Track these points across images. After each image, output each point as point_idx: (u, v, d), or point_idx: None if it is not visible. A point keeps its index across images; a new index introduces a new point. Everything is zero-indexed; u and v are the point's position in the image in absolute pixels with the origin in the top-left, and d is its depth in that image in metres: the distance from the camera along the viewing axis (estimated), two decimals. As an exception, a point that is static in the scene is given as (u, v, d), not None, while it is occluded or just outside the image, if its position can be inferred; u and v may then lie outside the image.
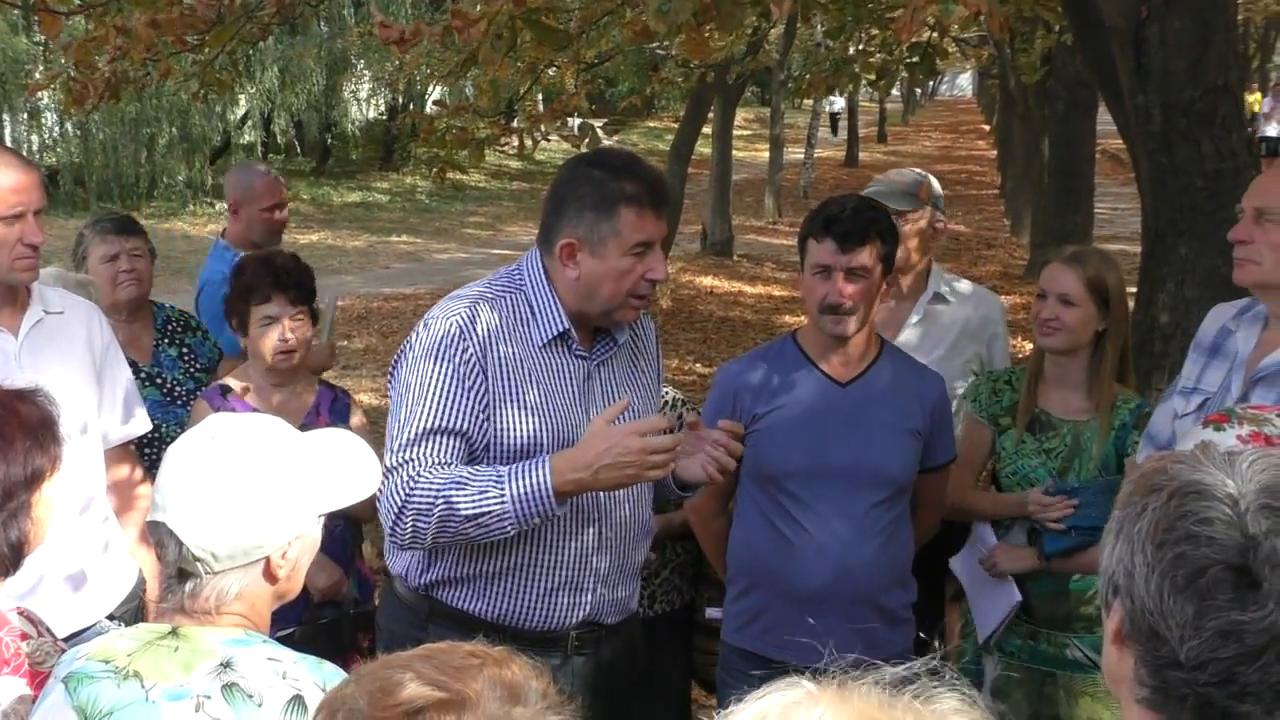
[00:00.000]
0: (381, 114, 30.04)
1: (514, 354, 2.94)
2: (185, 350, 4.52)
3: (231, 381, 4.02)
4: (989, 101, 37.88)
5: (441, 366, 2.89)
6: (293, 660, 2.00)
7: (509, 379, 2.92)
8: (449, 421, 2.87)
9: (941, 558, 3.89)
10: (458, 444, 2.89)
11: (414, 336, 2.99)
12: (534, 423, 2.93)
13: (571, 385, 3.01)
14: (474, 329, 2.91)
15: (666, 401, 3.95)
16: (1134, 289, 4.90)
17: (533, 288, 3.00)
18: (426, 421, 2.87)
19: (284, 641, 2.21)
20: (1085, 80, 12.41)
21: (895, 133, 43.46)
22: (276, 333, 3.88)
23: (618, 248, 2.90)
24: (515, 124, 8.73)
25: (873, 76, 9.18)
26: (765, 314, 14.63)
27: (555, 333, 2.98)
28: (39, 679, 2.12)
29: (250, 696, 1.92)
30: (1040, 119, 16.18)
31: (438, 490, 2.80)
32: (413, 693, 1.40)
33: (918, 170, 4.41)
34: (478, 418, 2.89)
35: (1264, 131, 26.14)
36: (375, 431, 4.68)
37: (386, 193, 26.57)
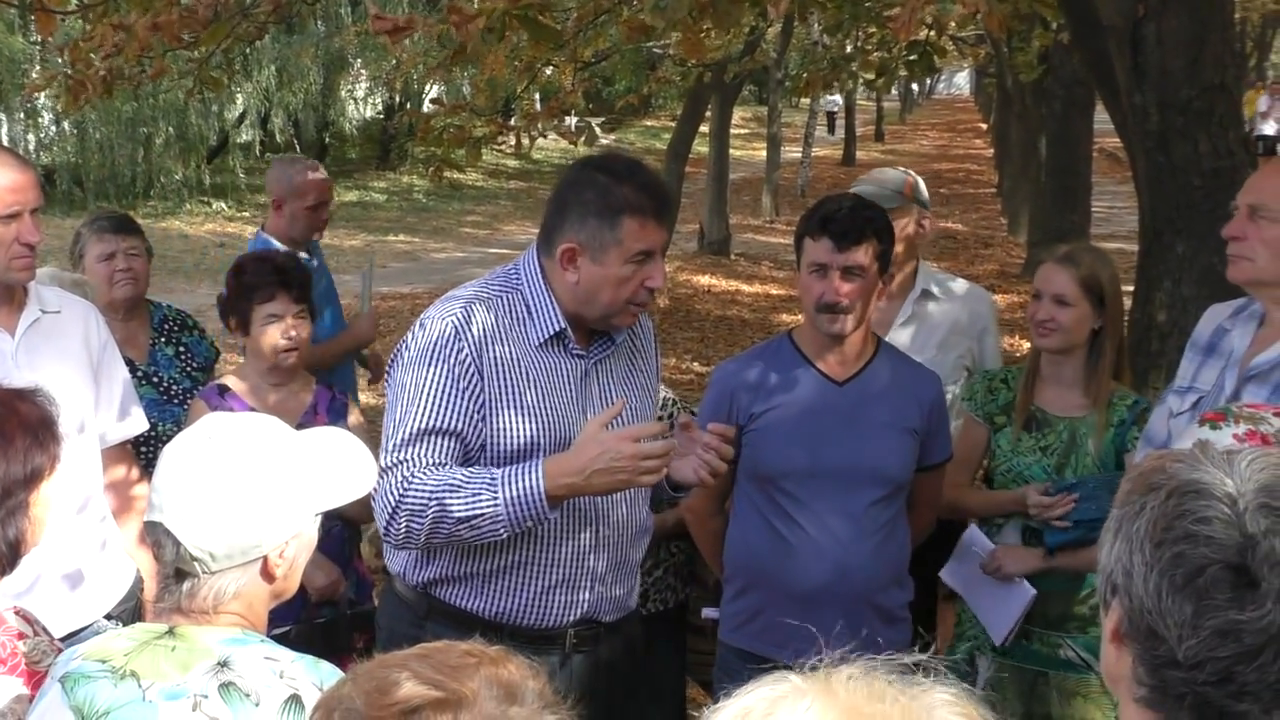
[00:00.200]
0: (379, 113, 30.04)
1: (510, 354, 2.94)
2: (182, 349, 4.52)
3: (229, 380, 4.02)
4: (986, 100, 37.93)
5: (437, 367, 2.89)
6: (290, 660, 2.00)
7: (505, 379, 2.92)
8: (444, 422, 2.87)
9: (936, 557, 3.88)
10: (452, 445, 2.89)
11: (410, 337, 2.99)
12: (530, 423, 2.93)
13: (568, 385, 3.01)
14: (469, 329, 2.91)
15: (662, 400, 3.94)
16: (1131, 287, 4.90)
17: (529, 287, 3.00)
18: (421, 422, 2.87)
19: (280, 640, 2.21)
20: (1082, 79, 12.42)
21: (893, 131, 43.49)
22: (280, 331, 3.89)
23: (619, 255, 2.89)
24: (513, 122, 8.72)
25: (871, 75, 9.18)
26: (763, 313, 14.64)
27: (551, 332, 2.97)
28: (36, 679, 2.11)
29: (247, 696, 1.92)
30: (1037, 117, 16.19)
31: (431, 492, 2.80)
32: (409, 692, 1.40)
33: (903, 169, 4.41)
34: (473, 418, 2.89)
35: (1261, 130, 26.14)
36: (373, 430, 4.68)
37: (384, 192, 26.58)
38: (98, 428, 3.44)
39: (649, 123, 38.52)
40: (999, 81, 21.90)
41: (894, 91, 47.01)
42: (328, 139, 28.84)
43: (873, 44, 10.47)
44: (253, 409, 3.74)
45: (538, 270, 3.00)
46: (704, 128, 18.99)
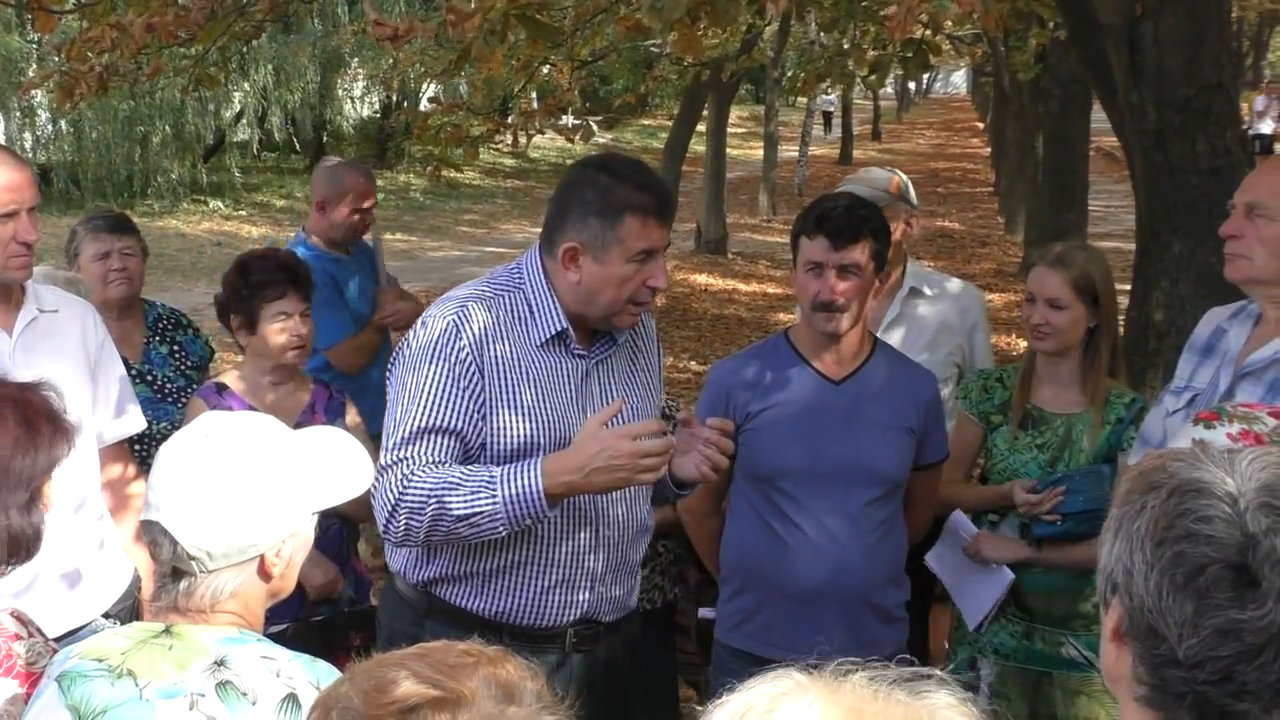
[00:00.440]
0: (376, 112, 30.02)
1: (511, 353, 2.94)
2: (176, 348, 4.51)
3: (227, 379, 4.02)
4: (983, 99, 37.96)
5: (437, 366, 2.88)
6: (287, 658, 2.00)
7: (505, 378, 2.92)
8: (444, 421, 2.87)
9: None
10: (452, 443, 2.88)
11: (411, 335, 2.99)
12: (530, 422, 2.93)
13: (569, 384, 3.00)
14: (471, 328, 2.90)
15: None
16: (1128, 286, 4.91)
17: (532, 287, 3.00)
18: (421, 420, 2.87)
19: (276, 638, 2.21)
20: (1079, 78, 12.42)
21: (890, 130, 43.52)
22: (290, 329, 3.89)
23: (621, 255, 2.89)
24: (510, 120, 8.72)
25: (865, 71, 9.18)
26: (760, 312, 14.64)
27: (553, 332, 2.97)
28: (33, 680, 2.11)
29: (244, 695, 1.92)
30: (1035, 116, 16.20)
31: (430, 490, 2.80)
32: (407, 691, 1.40)
33: (890, 169, 4.41)
34: (473, 417, 2.89)
35: (1257, 129, 26.19)
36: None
37: (381, 190, 26.43)
38: (95, 426, 3.43)
39: (646, 122, 38.53)
40: (996, 80, 21.93)
41: (891, 90, 47.09)
42: (325, 138, 28.81)
43: (868, 42, 10.46)
44: (251, 407, 3.74)
45: (540, 270, 3.00)
46: (701, 127, 18.99)
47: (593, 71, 12.01)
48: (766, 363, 3.52)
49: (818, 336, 3.45)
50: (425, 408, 2.87)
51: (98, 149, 22.12)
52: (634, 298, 2.95)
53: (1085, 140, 14.50)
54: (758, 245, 19.94)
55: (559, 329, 2.97)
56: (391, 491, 2.83)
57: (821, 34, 14.05)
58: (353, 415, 4.13)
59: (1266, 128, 27.06)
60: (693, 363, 11.83)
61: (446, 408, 2.87)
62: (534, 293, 2.99)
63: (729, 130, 20.62)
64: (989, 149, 30.57)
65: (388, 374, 3.09)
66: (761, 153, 24.43)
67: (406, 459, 2.85)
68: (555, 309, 2.97)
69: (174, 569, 2.03)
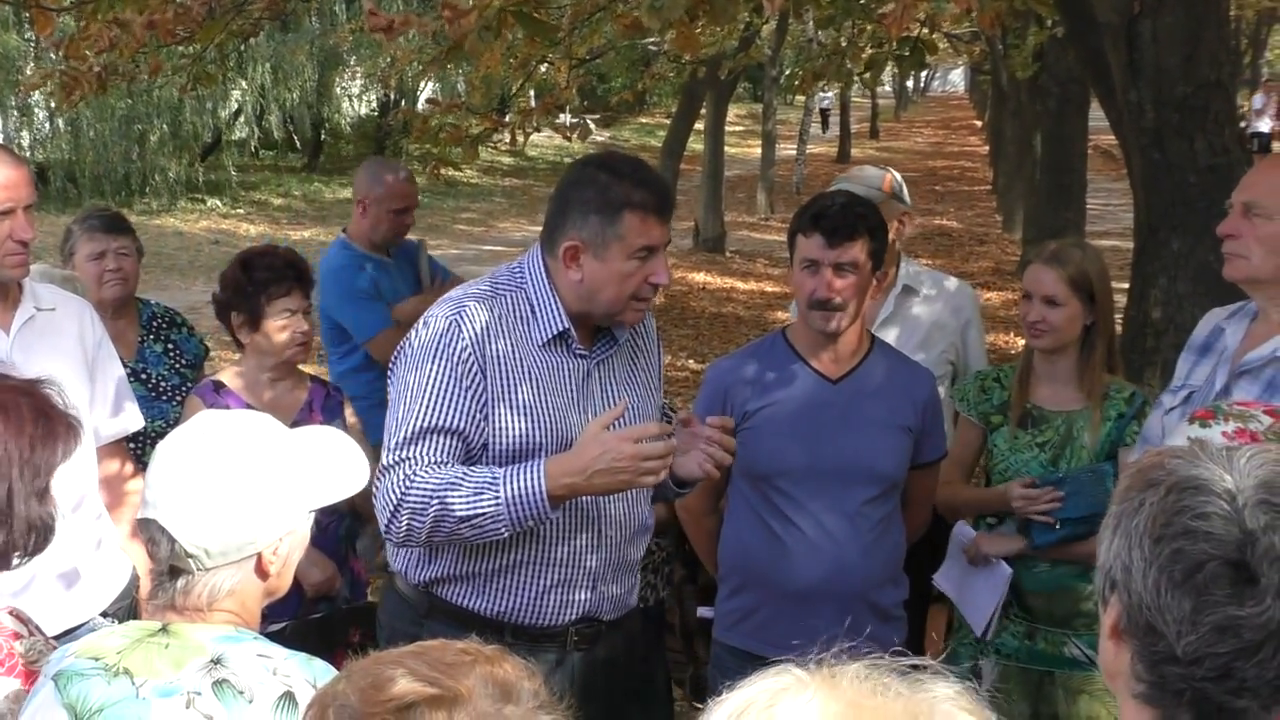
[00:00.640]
0: (373, 110, 30.01)
1: (513, 353, 2.93)
2: (170, 346, 4.51)
3: (224, 377, 4.02)
4: (981, 97, 37.96)
5: (439, 365, 2.88)
6: (283, 657, 2.00)
7: (507, 378, 2.92)
8: (446, 421, 2.86)
9: (929, 556, 3.89)
10: (454, 443, 2.88)
11: (413, 334, 2.98)
12: (531, 423, 2.92)
13: (570, 384, 3.00)
14: (472, 328, 2.90)
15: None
16: (1126, 285, 4.91)
17: (534, 286, 2.99)
18: (423, 420, 2.86)
19: (275, 636, 2.21)
20: (1077, 76, 12.41)
21: (887, 128, 43.51)
22: (294, 325, 3.89)
23: (621, 252, 2.89)
24: (507, 119, 8.71)
25: (862, 69, 9.18)
26: (758, 310, 14.64)
27: (555, 332, 2.97)
28: (33, 677, 2.11)
29: (241, 693, 1.92)
30: (1032, 115, 16.18)
31: (433, 490, 2.79)
32: (404, 688, 1.39)
33: (883, 167, 4.41)
34: (474, 417, 2.89)
35: (1255, 127, 26.19)
36: (368, 428, 4.68)
37: (378, 189, 26.47)
38: (92, 424, 3.43)
39: (644, 120, 38.52)
40: (994, 79, 21.92)
41: (889, 88, 47.08)
42: (323, 136, 28.80)
43: (865, 39, 10.46)
44: (249, 405, 3.74)
45: (542, 270, 2.99)
46: (699, 125, 18.98)
47: (590, 70, 12.02)
48: (764, 361, 3.52)
49: (815, 335, 3.45)
50: (427, 408, 2.86)
51: (95, 147, 22.08)
52: (636, 294, 2.95)
53: (1083, 138, 14.49)
54: (756, 243, 19.94)
55: (561, 329, 2.97)
56: (394, 492, 2.83)
57: (819, 32, 14.06)
58: (350, 415, 4.13)
59: (1264, 126, 27.07)
60: (691, 361, 11.82)
61: (448, 408, 2.86)
62: (536, 292, 2.98)
63: (727, 128, 20.61)
64: (987, 147, 30.57)
65: (389, 374, 3.08)
66: (759, 151, 24.42)
67: (409, 459, 2.85)
68: (557, 309, 2.96)
69: (171, 567, 2.03)
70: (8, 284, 3.30)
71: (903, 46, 7.09)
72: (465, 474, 2.81)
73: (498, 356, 2.91)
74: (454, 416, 2.87)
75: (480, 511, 2.77)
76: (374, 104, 29.68)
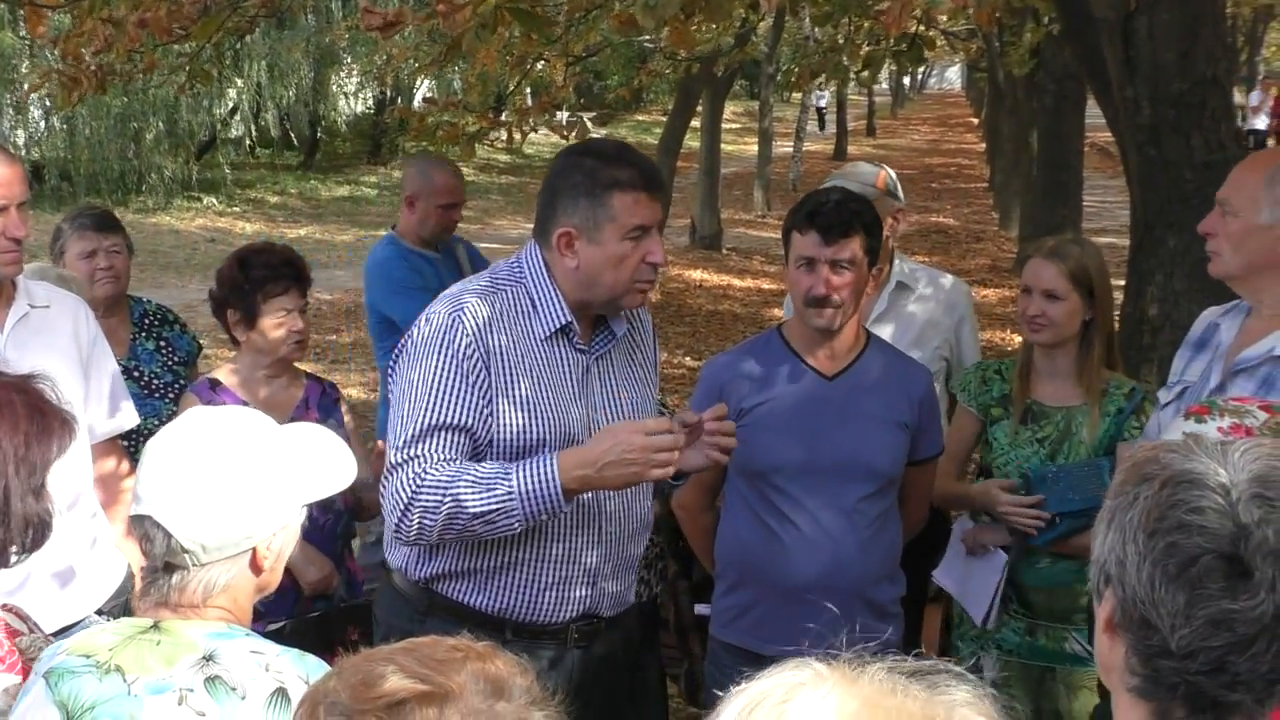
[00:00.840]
0: (369, 108, 29.99)
1: (515, 348, 2.93)
2: (163, 343, 4.51)
3: (220, 374, 4.01)
4: (978, 95, 37.99)
5: (444, 361, 2.87)
6: (276, 653, 2.00)
7: (511, 373, 2.91)
8: (453, 417, 2.85)
9: (925, 553, 3.89)
10: (462, 439, 2.87)
11: (415, 331, 2.97)
12: (534, 418, 2.92)
13: (570, 379, 3.00)
14: (475, 323, 2.89)
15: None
16: (1122, 282, 4.91)
17: (534, 281, 2.98)
18: (431, 417, 2.85)
19: (274, 635, 2.21)
20: (1074, 73, 12.43)
21: (884, 126, 43.50)
22: (290, 324, 3.88)
23: (615, 233, 2.88)
24: (504, 117, 8.72)
25: (859, 66, 9.18)
26: (754, 307, 14.64)
27: (557, 326, 2.96)
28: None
29: (233, 689, 1.92)
30: (1029, 112, 16.20)
31: (445, 487, 2.78)
32: (394, 685, 1.39)
33: (877, 163, 4.42)
34: (482, 412, 2.88)
35: (1252, 124, 26.21)
36: (364, 426, 4.68)
37: (374, 186, 26.51)
38: (87, 422, 3.42)
39: (640, 117, 38.49)
40: (990, 76, 21.92)
41: (885, 86, 47.11)
42: (319, 134, 28.77)
43: (862, 37, 10.46)
44: (245, 403, 3.74)
45: (541, 264, 2.99)
46: (695, 122, 18.97)
47: (587, 67, 12.02)
48: (760, 358, 3.52)
49: (811, 332, 3.44)
50: (433, 404, 2.85)
51: (90, 145, 22.05)
52: (636, 276, 2.94)
53: (1080, 136, 14.50)
54: (752, 241, 19.93)
55: (563, 323, 2.96)
56: (404, 491, 2.82)
57: (815, 29, 14.06)
58: (346, 413, 4.13)
59: (1261, 123, 27.08)
60: (687, 358, 11.82)
61: (454, 404, 2.85)
62: (536, 287, 2.98)
63: (723, 126, 20.62)
64: (983, 144, 30.60)
65: (390, 371, 3.07)
66: (756, 148, 24.41)
67: (417, 457, 2.83)
68: (559, 303, 2.96)
69: (166, 563, 2.03)
70: (1, 281, 3.29)
71: (900, 42, 7.09)
72: (476, 470, 2.81)
73: (500, 351, 2.91)
74: (461, 412, 2.86)
75: (494, 507, 2.76)
76: (370, 102, 29.65)
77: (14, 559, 2.21)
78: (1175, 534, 1.41)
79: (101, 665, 1.92)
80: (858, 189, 3.87)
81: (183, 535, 2.00)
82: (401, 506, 2.82)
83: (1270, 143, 25.34)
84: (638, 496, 3.12)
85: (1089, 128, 14.94)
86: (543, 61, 9.12)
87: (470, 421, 2.86)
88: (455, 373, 2.86)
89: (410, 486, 2.81)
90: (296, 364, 4.12)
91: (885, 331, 4.08)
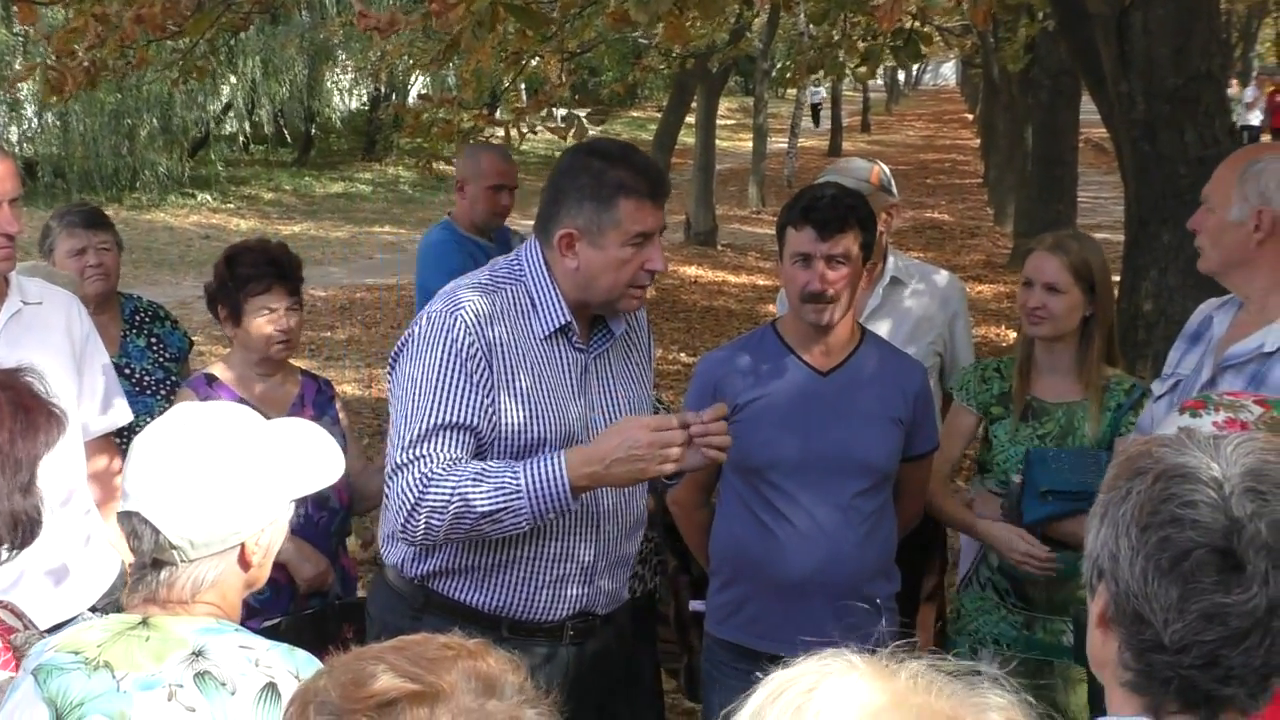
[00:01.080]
0: (364, 104, 29.97)
1: (515, 346, 2.92)
2: (154, 340, 4.50)
3: (216, 370, 4.00)
4: (972, 90, 37.97)
5: (446, 360, 2.86)
6: (265, 648, 2.00)
7: (512, 372, 2.90)
8: (457, 416, 2.84)
9: (919, 552, 3.89)
10: (467, 438, 2.86)
11: (415, 329, 2.95)
12: (535, 416, 2.91)
13: (569, 378, 2.99)
14: (476, 321, 2.88)
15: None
16: (1117, 277, 4.91)
17: (533, 280, 2.98)
18: (435, 417, 2.84)
19: (269, 632, 2.20)
20: (1069, 68, 12.43)
21: (879, 122, 43.53)
22: (275, 323, 3.87)
23: (617, 238, 2.88)
24: (499, 115, 8.72)
25: (856, 61, 9.19)
26: (749, 303, 14.64)
27: (557, 326, 2.96)
28: None
29: (223, 685, 1.91)
30: (1024, 108, 16.21)
31: (453, 488, 2.77)
32: (385, 684, 1.38)
33: (870, 159, 4.42)
34: (486, 410, 2.87)
35: (1246, 120, 26.23)
36: (357, 423, 4.68)
37: (369, 183, 26.51)
38: (80, 419, 3.41)
39: (635, 114, 38.48)
40: (985, 72, 21.93)
41: (880, 82, 47.11)
42: (313, 130, 28.75)
43: (858, 33, 10.46)
44: (242, 399, 3.73)
45: (541, 262, 2.98)
46: (690, 118, 18.98)
47: (581, 63, 12.01)
48: (755, 354, 3.51)
49: (805, 328, 3.44)
50: (437, 404, 2.84)
51: (84, 142, 22.04)
52: (633, 281, 2.94)
53: (1074, 131, 14.52)
54: (747, 237, 19.94)
55: (562, 323, 2.96)
56: (410, 491, 2.80)
57: (811, 25, 14.05)
58: (341, 410, 4.12)
59: (1255, 119, 27.12)
60: (682, 354, 11.83)
61: (458, 403, 2.84)
62: (536, 286, 2.97)
63: (718, 122, 20.61)
64: (978, 140, 30.60)
65: (388, 369, 3.06)
66: (751, 144, 24.43)
67: (423, 457, 2.82)
68: (558, 302, 2.95)
69: (154, 559, 2.02)
70: (-6, 278, 3.28)
71: (897, 38, 7.10)
72: (483, 469, 2.80)
73: (502, 350, 2.90)
74: (465, 411, 2.84)
75: (502, 506, 2.75)
76: (364, 98, 29.63)
77: (4, 556, 2.20)
78: (1168, 528, 1.41)
79: (90, 662, 1.91)
80: (852, 184, 3.86)
81: (170, 531, 1.99)
82: (408, 507, 2.81)
83: (1265, 139, 25.36)
84: (633, 495, 3.12)
85: (1084, 123, 14.94)
86: (537, 58, 9.12)
87: (474, 420, 2.85)
88: (459, 371, 2.85)
89: (417, 487, 2.79)
90: (291, 360, 4.11)
91: (879, 327, 4.07)
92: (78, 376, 3.42)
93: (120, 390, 3.64)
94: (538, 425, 2.91)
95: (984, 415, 3.77)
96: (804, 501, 3.38)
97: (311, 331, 11.99)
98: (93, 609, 3.34)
